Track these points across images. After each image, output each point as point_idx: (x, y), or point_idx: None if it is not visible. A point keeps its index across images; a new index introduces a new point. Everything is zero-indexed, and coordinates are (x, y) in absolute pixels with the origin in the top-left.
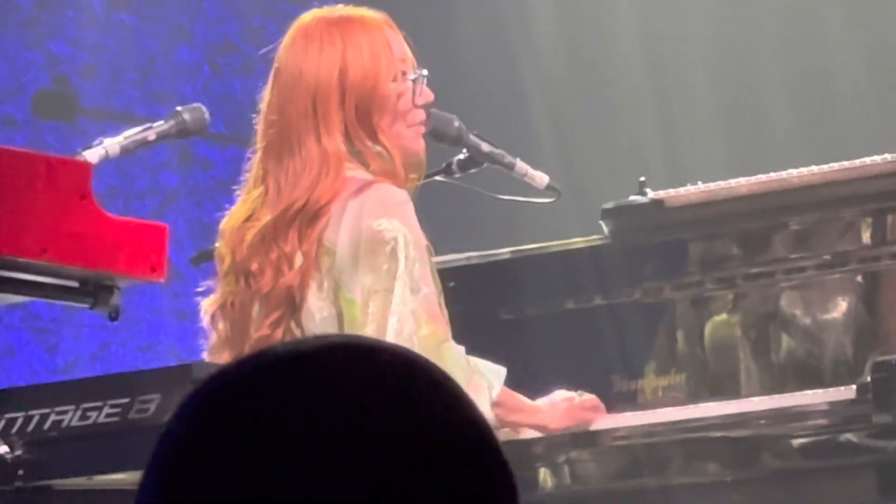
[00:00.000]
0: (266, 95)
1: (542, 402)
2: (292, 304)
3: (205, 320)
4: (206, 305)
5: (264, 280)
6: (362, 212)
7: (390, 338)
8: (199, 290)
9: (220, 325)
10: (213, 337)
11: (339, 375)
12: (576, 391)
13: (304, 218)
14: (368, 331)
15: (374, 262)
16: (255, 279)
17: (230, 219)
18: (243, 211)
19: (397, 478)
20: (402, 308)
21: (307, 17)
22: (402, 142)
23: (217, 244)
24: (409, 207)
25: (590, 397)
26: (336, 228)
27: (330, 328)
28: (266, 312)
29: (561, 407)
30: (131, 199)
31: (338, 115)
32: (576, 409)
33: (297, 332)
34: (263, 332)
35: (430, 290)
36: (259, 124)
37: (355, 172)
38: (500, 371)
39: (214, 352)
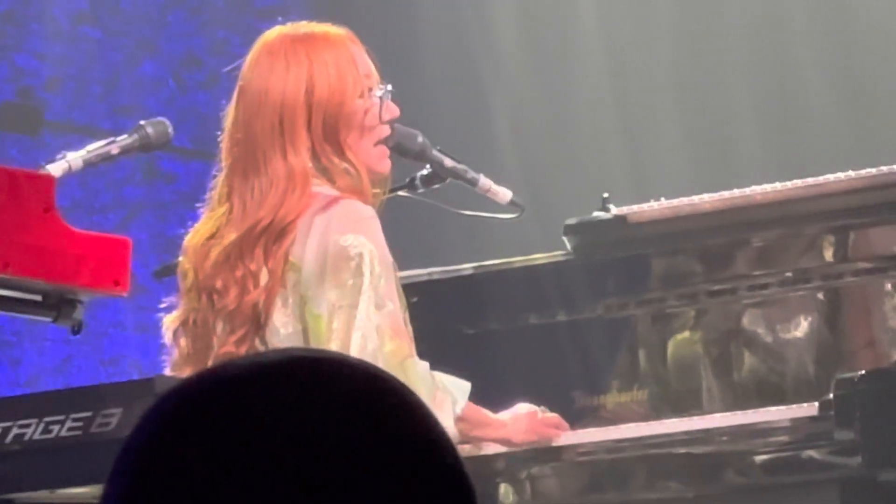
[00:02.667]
0: (230, 113)
1: (505, 415)
2: (257, 322)
3: (167, 336)
4: (168, 322)
5: (229, 298)
6: (329, 227)
7: (354, 353)
8: (163, 305)
9: (183, 342)
10: (175, 353)
11: (300, 388)
12: (539, 407)
13: (270, 235)
14: (332, 346)
15: (339, 277)
16: (220, 296)
17: (194, 236)
18: (207, 228)
19: (357, 491)
20: (366, 324)
21: (271, 34)
22: (369, 159)
23: (180, 260)
24: (376, 223)
25: (553, 415)
26: (302, 244)
27: (295, 344)
28: (231, 329)
29: (524, 421)
30: (94, 213)
31: (305, 132)
32: (539, 424)
33: (262, 349)
34: (228, 348)
35: (395, 306)
36: (223, 142)
37: (321, 188)
38: (465, 386)
39: (176, 368)
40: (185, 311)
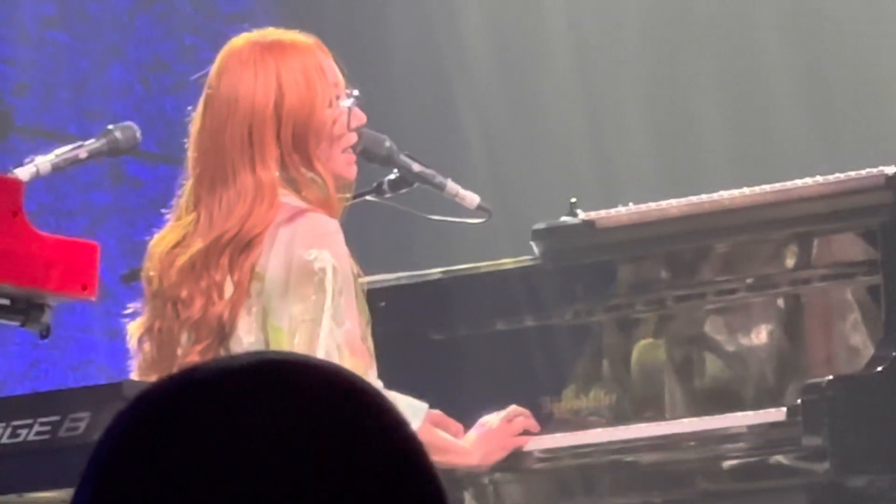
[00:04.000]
0: (196, 120)
1: (470, 436)
2: (221, 332)
3: (131, 343)
4: (133, 328)
5: (194, 308)
6: (293, 240)
7: None
8: (128, 311)
9: (147, 348)
10: (140, 359)
11: (269, 391)
12: (502, 411)
13: (236, 247)
14: None
15: (303, 292)
16: (185, 307)
17: (159, 243)
18: (174, 236)
19: (327, 494)
20: (328, 341)
21: (239, 41)
22: (336, 168)
23: (145, 266)
24: (340, 238)
25: (516, 414)
26: (266, 255)
27: None
28: (195, 339)
29: (489, 441)
30: (62, 218)
31: (273, 143)
32: (504, 436)
33: None
34: (192, 358)
35: (353, 324)
36: (190, 150)
37: (288, 199)
38: (421, 407)
39: (141, 373)
40: (149, 318)
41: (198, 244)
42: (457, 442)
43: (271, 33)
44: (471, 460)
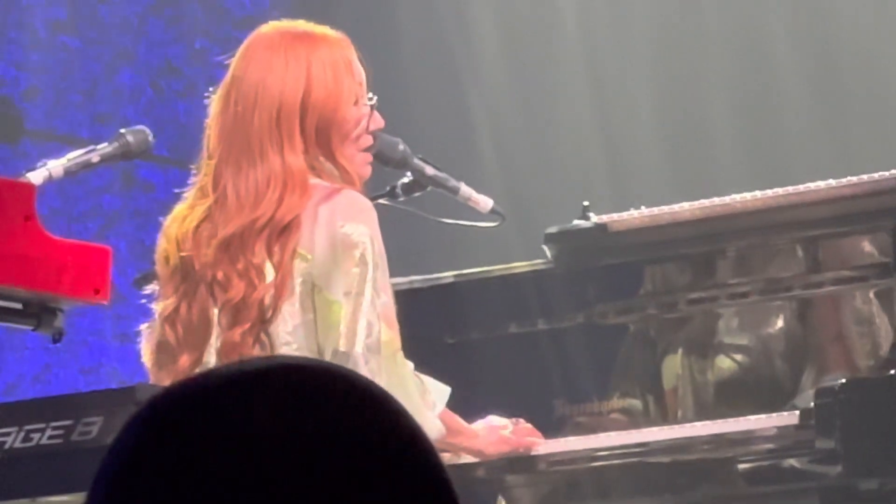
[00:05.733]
0: (218, 102)
1: (477, 425)
2: (263, 315)
3: (155, 324)
4: (161, 308)
5: (233, 291)
6: (334, 216)
7: (360, 338)
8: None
9: (174, 330)
10: (161, 342)
11: (285, 396)
12: (518, 416)
13: (272, 231)
14: (341, 329)
15: (346, 265)
16: (222, 288)
17: (180, 221)
18: (197, 214)
19: (338, 497)
20: (370, 312)
21: (268, 28)
22: (354, 165)
23: (162, 246)
24: (374, 215)
25: (526, 425)
26: (310, 234)
27: (303, 334)
28: (235, 321)
29: (496, 433)
30: (73, 222)
31: (298, 131)
32: (511, 434)
33: (267, 341)
34: (233, 339)
35: (389, 298)
36: (211, 131)
37: (317, 181)
38: (445, 390)
39: (161, 358)
40: (176, 299)
41: (228, 225)
42: (468, 425)
43: (302, 24)
44: (479, 445)
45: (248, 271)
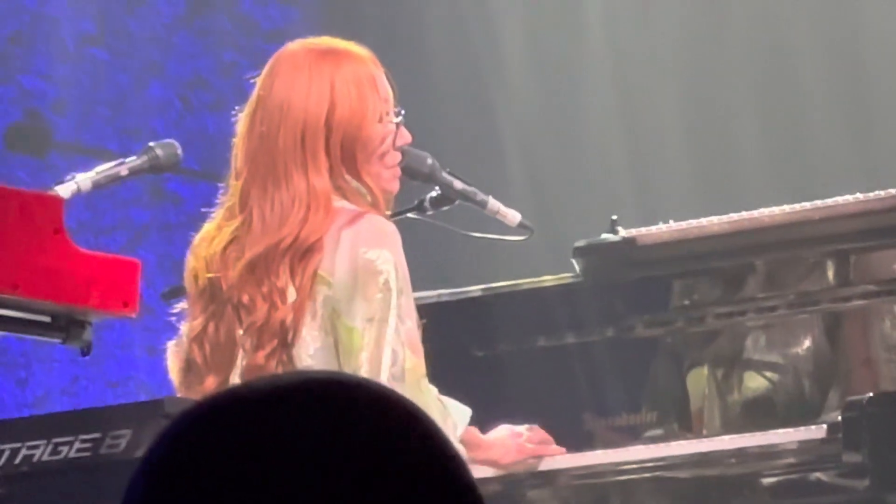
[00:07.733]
0: (245, 120)
1: (490, 436)
2: (285, 337)
3: (182, 345)
4: (188, 330)
5: (258, 313)
6: (357, 241)
7: (385, 367)
8: (171, 316)
9: (201, 351)
10: (187, 362)
11: (316, 411)
12: (547, 430)
13: (295, 253)
14: (363, 357)
15: (368, 291)
16: (248, 311)
17: (209, 243)
18: (224, 236)
19: None
20: (395, 338)
21: (294, 46)
22: (381, 182)
23: (191, 265)
24: (398, 239)
25: (540, 432)
26: (331, 258)
27: (324, 358)
28: (259, 344)
29: (510, 442)
30: (101, 234)
31: (323, 151)
32: (525, 442)
33: (289, 365)
34: (257, 362)
35: (413, 323)
36: (237, 148)
37: (342, 203)
38: (466, 411)
39: (188, 379)
40: (204, 320)
41: (254, 248)
42: (484, 437)
43: (327, 41)
44: (494, 456)
45: (272, 294)
